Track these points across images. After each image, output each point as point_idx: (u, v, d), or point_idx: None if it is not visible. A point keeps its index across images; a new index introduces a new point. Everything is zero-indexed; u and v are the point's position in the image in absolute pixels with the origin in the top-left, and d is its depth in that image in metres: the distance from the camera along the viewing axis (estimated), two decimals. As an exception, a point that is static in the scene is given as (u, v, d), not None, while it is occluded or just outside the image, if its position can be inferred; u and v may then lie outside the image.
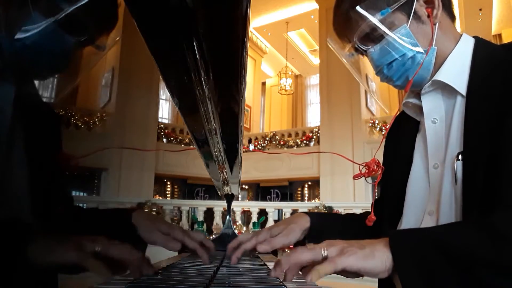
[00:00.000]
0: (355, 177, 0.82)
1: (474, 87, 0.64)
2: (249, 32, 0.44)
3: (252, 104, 13.35)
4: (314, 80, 14.76)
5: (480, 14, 9.84)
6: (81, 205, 6.92)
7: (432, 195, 0.69)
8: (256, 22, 11.54)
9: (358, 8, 0.67)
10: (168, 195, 10.40)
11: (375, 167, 0.75)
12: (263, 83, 15.29)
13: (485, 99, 0.61)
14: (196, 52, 0.45)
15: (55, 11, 0.56)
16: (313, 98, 14.80)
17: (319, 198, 9.23)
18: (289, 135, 10.50)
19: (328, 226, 0.86)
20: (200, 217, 6.81)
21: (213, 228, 6.83)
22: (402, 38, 0.67)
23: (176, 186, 10.65)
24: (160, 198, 9.71)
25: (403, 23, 0.67)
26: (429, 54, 0.68)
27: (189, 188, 10.52)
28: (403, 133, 0.80)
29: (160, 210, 7.08)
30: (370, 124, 8.69)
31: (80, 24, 0.62)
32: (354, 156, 8.46)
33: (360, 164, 0.81)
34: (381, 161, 0.82)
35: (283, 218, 7.48)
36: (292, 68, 13.47)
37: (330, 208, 6.83)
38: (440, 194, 0.67)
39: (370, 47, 0.71)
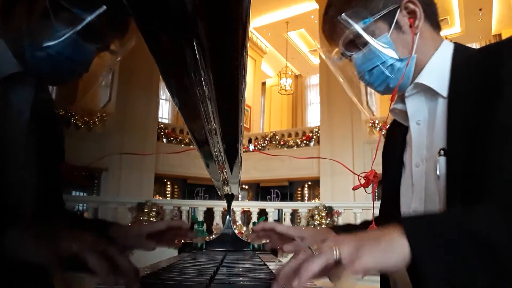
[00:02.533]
0: (355, 188, 0.89)
1: (455, 89, 0.67)
2: (249, 32, 0.44)
3: (252, 104, 13.34)
4: (314, 80, 14.75)
5: (480, 14, 9.84)
6: (79, 205, 6.96)
7: (416, 193, 0.72)
8: (256, 22, 11.52)
9: (342, 16, 0.71)
10: (168, 195, 10.39)
11: (373, 177, 0.83)
12: (263, 83, 15.27)
13: (465, 100, 0.64)
14: (196, 52, 0.45)
15: (74, 21, 0.62)
16: (313, 98, 14.79)
17: (319, 198, 9.22)
18: (289, 135, 10.49)
19: None
20: (200, 217, 6.81)
21: (213, 228, 6.82)
22: (382, 46, 0.70)
23: (176, 186, 10.65)
24: (160, 198, 9.70)
25: (384, 32, 0.71)
26: (409, 62, 0.71)
27: (189, 188, 10.51)
28: (396, 137, 0.83)
29: (160, 210, 7.08)
30: (370, 124, 8.68)
31: (97, 33, 0.66)
32: (354, 156, 8.46)
33: (359, 175, 0.88)
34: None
35: (283, 218, 7.48)
36: (292, 68, 13.46)
37: (330, 208, 6.82)
38: (423, 191, 0.70)
39: (353, 53, 0.74)
